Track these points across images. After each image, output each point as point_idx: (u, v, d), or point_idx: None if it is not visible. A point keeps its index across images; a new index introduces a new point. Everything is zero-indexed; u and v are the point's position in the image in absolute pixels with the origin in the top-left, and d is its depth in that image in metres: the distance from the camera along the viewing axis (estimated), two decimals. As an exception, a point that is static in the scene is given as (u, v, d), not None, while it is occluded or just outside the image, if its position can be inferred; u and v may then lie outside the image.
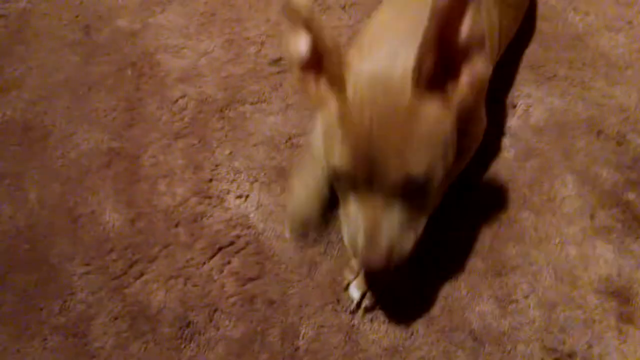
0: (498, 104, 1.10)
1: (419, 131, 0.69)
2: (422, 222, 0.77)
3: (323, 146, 0.77)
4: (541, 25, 1.22)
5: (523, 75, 1.14)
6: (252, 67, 1.16)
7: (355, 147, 0.70)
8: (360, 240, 0.73)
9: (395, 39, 0.79)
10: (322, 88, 0.75)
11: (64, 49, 1.21)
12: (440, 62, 0.68)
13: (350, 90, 0.71)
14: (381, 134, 0.69)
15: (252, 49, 1.19)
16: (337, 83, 0.71)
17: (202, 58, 1.18)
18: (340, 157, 0.71)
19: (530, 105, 1.10)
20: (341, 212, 0.79)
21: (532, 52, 1.18)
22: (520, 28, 1.16)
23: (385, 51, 0.76)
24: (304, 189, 0.94)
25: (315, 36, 0.71)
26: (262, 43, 1.19)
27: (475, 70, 0.69)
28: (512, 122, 1.08)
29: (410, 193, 0.72)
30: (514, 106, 1.10)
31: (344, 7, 1.25)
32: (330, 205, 0.95)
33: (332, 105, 0.73)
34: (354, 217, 0.74)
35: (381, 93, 0.70)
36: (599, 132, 1.06)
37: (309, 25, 0.71)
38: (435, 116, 0.70)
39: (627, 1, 1.26)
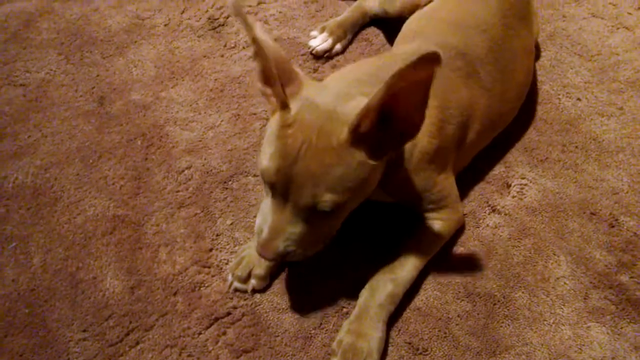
0: (490, 183, 1.14)
1: (338, 172, 0.79)
2: (321, 241, 0.87)
3: (262, 147, 0.85)
4: (535, 109, 1.27)
5: (517, 156, 1.18)
6: (257, 141, 1.21)
7: (282, 163, 0.79)
8: (264, 235, 0.83)
9: (354, 80, 0.91)
10: (274, 100, 0.85)
11: (78, 118, 1.26)
12: (377, 123, 0.78)
13: (293, 111, 0.80)
14: (306, 162, 0.78)
15: (258, 124, 1.24)
16: (281, 102, 0.81)
17: (209, 131, 1.23)
18: (267, 165, 0.81)
19: (524, 186, 1.13)
20: (262, 200, 0.89)
21: (526, 135, 1.22)
22: (518, 112, 1.21)
23: (340, 88, 0.86)
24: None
25: (263, 60, 0.81)
26: (268, 119, 1.25)
27: (401, 144, 0.81)
28: (507, 201, 1.11)
29: (316, 217, 0.82)
30: (509, 186, 1.13)
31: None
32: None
33: (276, 118, 0.82)
34: (266, 213, 0.84)
35: (319, 125, 0.79)
36: (592, 214, 1.09)
37: (259, 50, 0.81)
38: (358, 164, 0.80)
39: (617, 88, 1.32)
